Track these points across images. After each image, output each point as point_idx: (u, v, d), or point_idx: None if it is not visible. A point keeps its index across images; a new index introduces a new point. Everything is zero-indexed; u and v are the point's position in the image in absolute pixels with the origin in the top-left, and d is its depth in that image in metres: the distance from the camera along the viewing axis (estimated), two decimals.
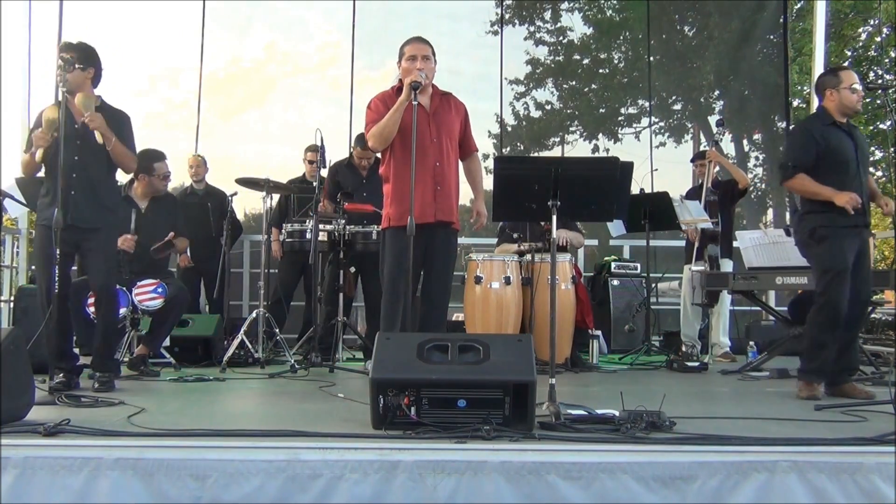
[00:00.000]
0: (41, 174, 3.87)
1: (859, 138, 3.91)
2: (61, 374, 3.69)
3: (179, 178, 6.49)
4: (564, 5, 11.20)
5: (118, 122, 3.92)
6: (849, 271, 3.75)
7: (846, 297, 3.72)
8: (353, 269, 5.30)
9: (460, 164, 4.14)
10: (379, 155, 5.52)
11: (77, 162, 3.75)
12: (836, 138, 3.84)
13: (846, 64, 13.83)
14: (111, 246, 4.06)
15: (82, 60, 3.80)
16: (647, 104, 10.07)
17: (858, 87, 3.83)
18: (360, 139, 5.63)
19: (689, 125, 11.11)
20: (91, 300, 4.33)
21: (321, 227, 5.04)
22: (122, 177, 4.45)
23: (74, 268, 4.23)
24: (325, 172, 5.45)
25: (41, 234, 3.81)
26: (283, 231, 5.52)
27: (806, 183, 3.82)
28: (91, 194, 3.81)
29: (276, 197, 5.99)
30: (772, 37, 9.42)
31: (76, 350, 4.08)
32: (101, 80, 3.94)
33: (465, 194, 4.38)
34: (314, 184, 5.22)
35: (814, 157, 3.83)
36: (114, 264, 4.08)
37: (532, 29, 11.06)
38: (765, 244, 5.20)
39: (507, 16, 10.47)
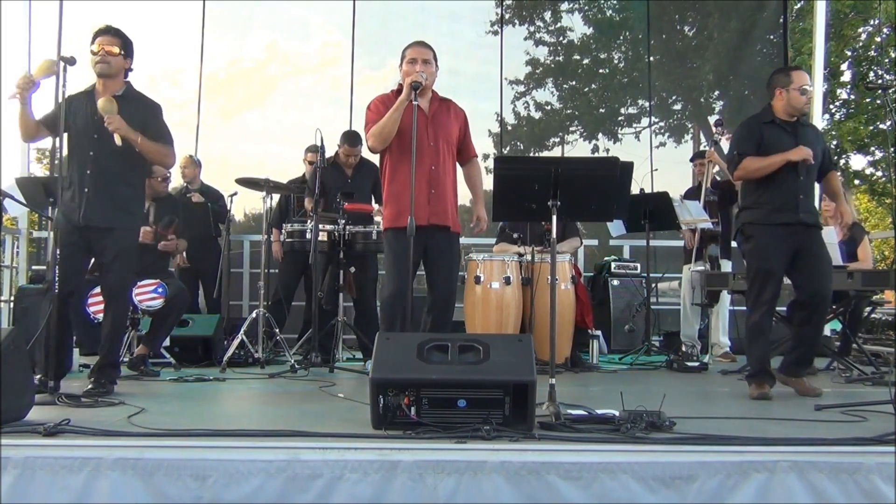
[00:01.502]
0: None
1: (806, 136, 3.84)
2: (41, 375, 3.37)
3: (178, 178, 6.48)
4: (564, 5, 11.19)
5: (146, 113, 3.68)
6: (775, 271, 3.78)
7: (773, 297, 3.76)
8: (353, 270, 5.30)
9: (459, 168, 4.15)
10: (364, 155, 5.58)
11: (92, 157, 3.55)
12: (772, 136, 3.86)
13: (846, 64, 13.85)
14: (126, 247, 3.67)
15: (124, 48, 3.66)
16: (647, 104, 10.06)
17: (809, 88, 3.82)
18: (347, 136, 5.61)
19: (689, 125, 11.11)
20: (91, 300, 4.34)
21: (321, 227, 5.04)
22: None
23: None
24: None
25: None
26: (283, 231, 5.52)
27: (753, 162, 3.84)
28: (105, 193, 3.56)
29: (276, 197, 5.98)
30: (772, 37, 9.41)
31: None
32: (130, 73, 3.77)
33: (465, 195, 4.38)
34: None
35: (755, 147, 3.85)
36: (128, 267, 3.70)
37: (532, 29, 11.04)
38: None
39: (507, 16, 10.47)
